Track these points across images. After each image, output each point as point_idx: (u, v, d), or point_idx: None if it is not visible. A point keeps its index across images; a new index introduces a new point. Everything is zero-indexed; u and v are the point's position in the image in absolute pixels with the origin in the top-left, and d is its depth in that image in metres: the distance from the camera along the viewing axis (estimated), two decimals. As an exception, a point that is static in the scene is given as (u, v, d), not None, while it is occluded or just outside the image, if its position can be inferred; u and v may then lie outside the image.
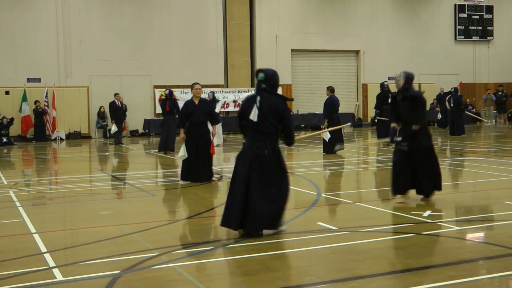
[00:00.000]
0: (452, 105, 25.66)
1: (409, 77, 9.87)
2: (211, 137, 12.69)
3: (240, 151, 7.73)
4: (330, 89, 18.29)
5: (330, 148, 17.83)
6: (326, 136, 17.27)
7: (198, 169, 12.49)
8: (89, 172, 16.11)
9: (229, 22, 30.43)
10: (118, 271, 6.01)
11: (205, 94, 18.58)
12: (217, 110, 21.93)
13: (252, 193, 7.35)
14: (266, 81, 7.58)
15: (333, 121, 17.64)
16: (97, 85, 28.09)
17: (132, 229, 8.02)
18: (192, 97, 12.82)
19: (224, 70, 30.60)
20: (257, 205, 7.31)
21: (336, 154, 17.56)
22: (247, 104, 7.63)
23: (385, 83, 22.91)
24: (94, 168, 17.18)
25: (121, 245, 7.18)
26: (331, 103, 17.88)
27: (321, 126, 17.79)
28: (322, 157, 17.28)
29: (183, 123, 12.59)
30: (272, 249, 6.92)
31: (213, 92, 23.12)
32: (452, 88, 26.48)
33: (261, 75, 7.58)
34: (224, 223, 7.58)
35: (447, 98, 27.62)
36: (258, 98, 7.51)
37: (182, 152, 12.40)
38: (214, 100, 22.13)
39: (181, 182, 12.50)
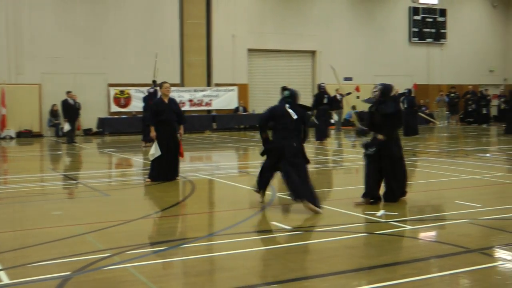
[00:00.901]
0: (406, 106, 25.99)
1: (384, 90, 10.15)
2: (179, 137, 12.63)
3: (275, 146, 9.28)
4: (283, 88, 18.25)
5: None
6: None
7: (168, 169, 12.42)
8: (41, 172, 15.83)
9: (185, 20, 30.29)
10: (68, 273, 5.89)
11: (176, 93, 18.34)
12: None
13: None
14: (291, 97, 9.60)
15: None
16: (49, 83, 27.63)
17: (84, 230, 7.88)
18: (161, 96, 12.75)
19: (180, 69, 30.43)
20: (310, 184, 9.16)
21: None
22: (279, 111, 9.44)
23: (322, 84, 23.30)
24: (46, 167, 16.90)
25: (73, 246, 7.05)
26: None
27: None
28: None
29: (155, 121, 12.47)
30: (226, 249, 6.89)
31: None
32: (406, 89, 26.82)
33: (287, 92, 9.68)
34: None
35: (401, 99, 27.95)
36: (288, 106, 9.42)
37: (153, 150, 12.27)
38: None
39: (148, 182, 12.37)
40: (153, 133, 12.41)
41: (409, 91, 26.48)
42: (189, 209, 9.76)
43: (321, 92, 23.00)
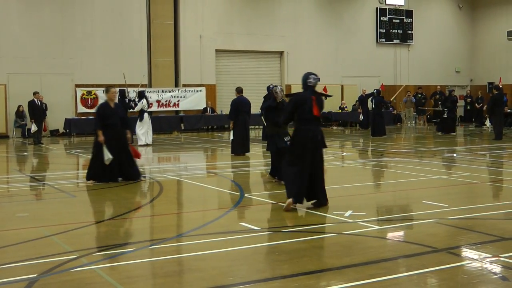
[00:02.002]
0: (373, 106, 26.24)
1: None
2: (128, 141, 12.63)
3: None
4: (238, 90, 18.08)
5: (237, 149, 17.58)
6: (231, 137, 17.22)
7: (116, 170, 12.36)
8: (6, 173, 15.58)
9: (153, 21, 30.12)
10: (35, 275, 5.82)
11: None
12: (137, 108, 21.69)
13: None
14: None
15: (239, 122, 17.35)
16: (15, 83, 27.24)
17: (50, 231, 7.79)
18: (106, 100, 12.69)
19: (148, 69, 30.25)
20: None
21: (245, 156, 17.44)
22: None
23: (271, 86, 23.00)
24: (12, 168, 16.66)
25: (39, 248, 6.96)
26: (237, 104, 17.54)
27: (229, 126, 17.56)
28: (252, 158, 17.29)
29: (102, 126, 12.36)
30: (195, 249, 6.86)
31: (142, 91, 22.69)
32: (374, 90, 27.03)
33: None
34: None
35: (369, 99, 28.22)
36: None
37: (107, 156, 12.19)
38: (140, 98, 21.83)
39: (90, 183, 12.30)
40: (101, 138, 12.28)
41: (378, 91, 26.69)
42: (157, 210, 9.71)
43: (269, 93, 21.81)
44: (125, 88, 22.35)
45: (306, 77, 9.36)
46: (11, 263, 6.27)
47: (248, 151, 17.75)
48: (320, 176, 9.27)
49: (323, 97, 9.80)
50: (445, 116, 26.67)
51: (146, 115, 22.02)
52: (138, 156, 12.96)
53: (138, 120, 21.78)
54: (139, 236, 7.71)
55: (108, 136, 12.30)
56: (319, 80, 9.49)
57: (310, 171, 9.09)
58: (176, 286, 5.62)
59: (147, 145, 21.71)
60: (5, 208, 9.99)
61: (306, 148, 9.09)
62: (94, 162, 12.47)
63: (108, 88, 12.81)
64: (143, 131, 22.00)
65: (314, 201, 9.30)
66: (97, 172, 12.36)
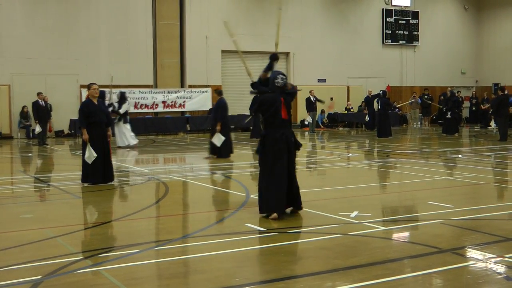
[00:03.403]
0: (380, 107, 26.23)
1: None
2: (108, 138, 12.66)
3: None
4: (218, 92, 18.04)
5: (225, 152, 17.35)
6: (219, 140, 16.98)
7: (104, 170, 12.36)
8: (11, 174, 15.63)
9: (158, 21, 30.15)
10: (39, 277, 5.82)
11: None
12: (122, 110, 21.47)
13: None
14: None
15: (225, 124, 17.34)
16: (20, 84, 27.29)
17: (55, 233, 7.79)
18: (88, 97, 12.60)
19: (153, 70, 30.28)
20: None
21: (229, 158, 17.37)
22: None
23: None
24: (16, 169, 16.67)
25: (44, 249, 6.97)
26: (224, 106, 17.54)
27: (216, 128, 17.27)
28: (252, 158, 17.27)
29: (88, 124, 12.34)
30: (200, 251, 6.85)
31: (123, 92, 22.51)
32: (380, 91, 27.04)
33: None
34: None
35: (375, 100, 28.20)
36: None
37: (89, 153, 12.14)
38: (122, 100, 21.68)
39: (85, 185, 12.27)
40: (85, 136, 12.21)
41: (384, 92, 26.72)
42: (163, 211, 9.71)
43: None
44: (105, 90, 22.07)
45: (274, 77, 8.94)
46: (16, 265, 6.27)
47: (233, 152, 17.74)
48: (295, 180, 8.89)
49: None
50: (449, 116, 26.66)
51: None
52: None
53: (123, 122, 21.62)
54: (144, 237, 7.71)
55: (95, 133, 12.26)
56: (287, 80, 9.07)
57: (286, 176, 8.66)
58: (181, 287, 5.62)
59: (132, 146, 21.68)
60: (10, 209, 10.01)
61: (279, 151, 8.62)
62: (86, 164, 12.40)
63: (89, 84, 12.73)
64: (132, 133, 22.04)
65: (290, 208, 8.91)
66: (89, 174, 12.30)
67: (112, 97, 22.29)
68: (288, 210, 8.89)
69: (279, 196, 8.55)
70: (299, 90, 9.86)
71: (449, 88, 29.61)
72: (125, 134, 21.60)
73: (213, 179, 13.85)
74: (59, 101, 27.55)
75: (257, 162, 9.08)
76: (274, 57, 9.42)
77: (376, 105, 28.30)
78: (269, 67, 9.29)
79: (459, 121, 28.66)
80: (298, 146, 8.99)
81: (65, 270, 6.07)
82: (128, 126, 21.88)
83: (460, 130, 27.28)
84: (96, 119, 12.33)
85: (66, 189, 11.89)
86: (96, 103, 12.48)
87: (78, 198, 11.01)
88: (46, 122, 24.31)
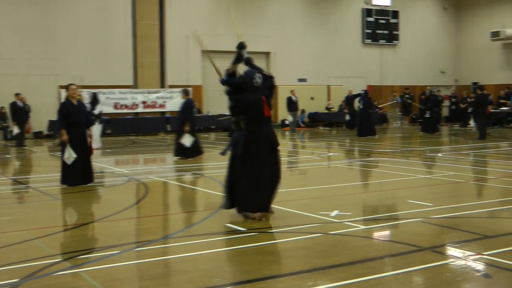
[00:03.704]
0: (361, 107, 26.39)
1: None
2: (89, 139, 12.57)
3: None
4: (185, 92, 17.76)
5: (194, 152, 17.15)
6: (188, 140, 16.80)
7: (84, 171, 12.28)
8: (-9, 176, 15.49)
9: (138, 21, 30.00)
10: (17, 279, 5.76)
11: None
12: (97, 111, 21.09)
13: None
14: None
15: (192, 125, 17.23)
16: (-3, 84, 27.01)
17: (34, 235, 7.72)
18: (68, 98, 12.50)
19: (133, 70, 30.14)
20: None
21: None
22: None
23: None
24: (-4, 171, 16.52)
25: (22, 252, 6.90)
26: (191, 106, 17.37)
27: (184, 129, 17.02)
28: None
29: (67, 125, 12.23)
30: (180, 251, 6.84)
31: (95, 93, 22.10)
32: (362, 90, 27.21)
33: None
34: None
35: (357, 100, 28.33)
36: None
37: (68, 154, 12.04)
38: (95, 101, 21.32)
39: (63, 186, 12.17)
40: (64, 137, 12.06)
41: (366, 92, 26.89)
42: (143, 212, 9.67)
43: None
44: (96, 92, 21.91)
45: (251, 77, 8.61)
46: (-6, 267, 6.21)
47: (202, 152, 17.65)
48: (277, 182, 8.60)
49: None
50: (428, 116, 26.85)
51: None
52: (92, 151, 12.78)
53: (97, 123, 21.25)
54: (124, 238, 7.66)
55: (74, 134, 12.15)
56: (262, 79, 8.65)
57: (270, 175, 8.48)
58: (161, 288, 5.60)
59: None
60: (-11, 211, 9.90)
61: (262, 151, 8.44)
62: (65, 165, 12.28)
63: (68, 85, 12.63)
64: (99, 136, 21.63)
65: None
66: (68, 176, 12.21)
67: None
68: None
69: (265, 196, 8.42)
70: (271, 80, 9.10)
71: (429, 88, 29.78)
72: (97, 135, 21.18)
73: (194, 180, 13.81)
74: (38, 102, 27.28)
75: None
76: (240, 45, 9.24)
77: (357, 105, 28.43)
78: (238, 58, 9.16)
79: (439, 120, 28.84)
80: (276, 143, 8.74)
81: (44, 272, 6.01)
82: (99, 128, 21.62)
83: (439, 129, 27.42)
84: (75, 120, 12.21)
85: (45, 191, 11.79)
86: (76, 103, 12.39)
87: (57, 199, 10.93)
88: (24, 123, 24.09)
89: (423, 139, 23.76)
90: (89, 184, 12.27)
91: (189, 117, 17.20)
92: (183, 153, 17.16)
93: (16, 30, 27.39)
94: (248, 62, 9.16)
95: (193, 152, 17.23)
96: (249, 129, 8.53)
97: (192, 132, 17.12)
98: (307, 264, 6.24)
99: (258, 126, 8.53)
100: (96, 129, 20.75)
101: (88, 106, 20.87)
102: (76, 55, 28.42)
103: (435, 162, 15.96)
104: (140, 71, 30.19)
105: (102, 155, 19.26)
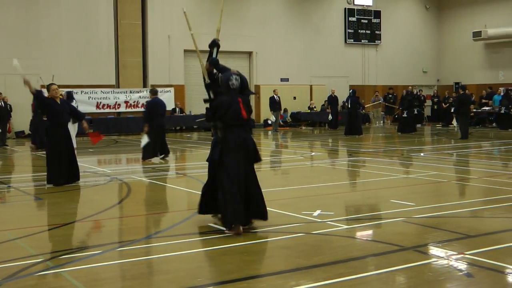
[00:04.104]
0: (349, 106, 26.57)
1: None
2: (87, 129, 12.76)
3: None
4: (153, 92, 17.26)
5: (148, 155, 16.66)
6: (144, 141, 16.48)
7: (69, 170, 12.25)
8: (-29, 175, 15.35)
9: (120, 21, 29.88)
10: (-1, 279, 5.73)
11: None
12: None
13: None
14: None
15: (156, 125, 16.51)
16: (-22, 84, 26.80)
17: (15, 235, 7.67)
18: (51, 98, 12.53)
19: (115, 70, 30.00)
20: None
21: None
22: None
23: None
24: (-23, 171, 16.39)
25: (3, 252, 6.85)
26: (153, 106, 16.75)
27: (142, 132, 16.70)
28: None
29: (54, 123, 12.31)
30: (163, 251, 6.82)
31: (70, 92, 21.70)
32: (350, 90, 27.42)
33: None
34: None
35: (345, 99, 28.52)
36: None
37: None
38: (69, 100, 20.79)
39: (49, 186, 12.10)
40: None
41: (353, 91, 27.10)
42: (125, 211, 9.63)
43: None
44: (72, 90, 21.67)
45: (227, 78, 8.08)
46: (-25, 267, 6.16)
47: (166, 153, 17.00)
48: (257, 191, 7.96)
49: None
50: (405, 116, 27.03)
51: None
52: (100, 137, 12.73)
53: (71, 122, 20.92)
54: (107, 238, 7.63)
55: (59, 134, 12.16)
56: (240, 80, 8.09)
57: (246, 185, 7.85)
58: (143, 288, 5.58)
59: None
60: (-31, 211, 9.82)
61: (237, 157, 7.84)
62: (50, 165, 12.23)
63: (48, 85, 12.65)
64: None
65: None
66: (54, 175, 12.16)
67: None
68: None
69: (239, 207, 7.69)
70: (254, 93, 8.94)
71: (410, 87, 29.97)
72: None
73: (177, 179, 13.78)
74: (20, 102, 27.03)
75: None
76: (213, 43, 9.00)
77: (341, 104, 28.64)
78: (210, 56, 8.85)
79: (417, 120, 29.10)
80: (257, 157, 8.15)
81: (26, 272, 5.98)
82: (75, 126, 21.24)
83: (416, 128, 27.50)
84: (60, 120, 12.24)
85: (27, 191, 11.71)
86: (60, 103, 12.36)
87: (39, 199, 10.86)
88: (6, 123, 23.94)
89: (406, 139, 23.85)
90: (73, 184, 12.19)
91: (148, 117, 16.67)
92: (148, 155, 16.64)
93: (-3, 30, 27.17)
94: (215, 63, 8.71)
95: (146, 153, 16.68)
96: (226, 133, 7.95)
97: (158, 133, 16.59)
98: (289, 264, 6.25)
99: (236, 130, 7.92)
100: (73, 129, 20.46)
101: None
102: (58, 54, 28.25)
103: (417, 162, 16.04)
104: (123, 71, 30.06)
105: (84, 154, 19.13)
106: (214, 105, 8.11)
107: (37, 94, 12.48)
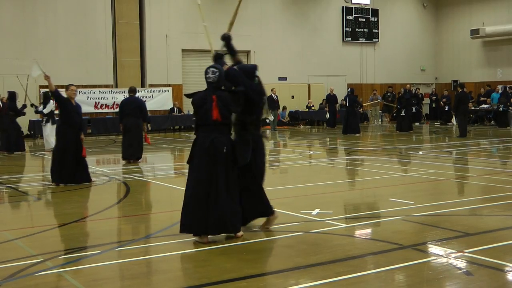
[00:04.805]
0: (347, 104, 26.58)
1: None
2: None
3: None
4: (129, 90, 16.83)
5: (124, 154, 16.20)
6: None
7: (76, 172, 12.27)
8: (-30, 176, 15.32)
9: (118, 21, 29.87)
10: (-2, 280, 5.73)
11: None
12: (46, 110, 20.40)
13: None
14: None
15: (124, 126, 16.09)
16: (-24, 85, 26.77)
17: (14, 235, 7.67)
18: (67, 97, 12.58)
19: (113, 70, 29.99)
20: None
21: None
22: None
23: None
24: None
25: (2, 252, 6.84)
26: (121, 106, 16.47)
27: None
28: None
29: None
30: (162, 251, 6.82)
31: (47, 92, 20.36)
32: (348, 89, 27.43)
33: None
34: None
35: (343, 98, 28.53)
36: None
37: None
38: (46, 100, 20.58)
39: (52, 185, 12.17)
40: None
41: (352, 90, 27.10)
42: (124, 211, 9.62)
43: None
44: (16, 91, 21.38)
45: (205, 71, 7.51)
46: (-26, 268, 6.16)
47: (135, 157, 16.14)
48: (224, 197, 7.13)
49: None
50: (403, 114, 27.03)
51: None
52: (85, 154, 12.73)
53: (50, 123, 20.32)
54: (106, 238, 7.63)
55: (69, 136, 12.22)
56: (218, 74, 7.46)
57: (208, 191, 7.11)
58: (142, 288, 5.59)
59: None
60: (-32, 212, 9.82)
61: (201, 161, 7.19)
62: (54, 164, 12.28)
63: (67, 85, 12.71)
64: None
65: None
66: (57, 175, 12.20)
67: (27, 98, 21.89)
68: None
69: (200, 216, 7.09)
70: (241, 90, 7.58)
71: (408, 86, 29.98)
72: (50, 136, 20.06)
73: (175, 179, 13.78)
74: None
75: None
76: (225, 37, 8.55)
77: (344, 103, 28.68)
78: (229, 49, 8.44)
79: (416, 118, 29.09)
80: (235, 161, 7.31)
81: (25, 273, 5.97)
82: (52, 128, 20.27)
83: (413, 127, 27.47)
84: (72, 122, 12.33)
85: (26, 191, 11.71)
86: (74, 104, 12.52)
87: (38, 199, 10.85)
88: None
89: (404, 137, 23.87)
90: (83, 184, 12.23)
91: (119, 117, 16.44)
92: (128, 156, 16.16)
93: (-6, 30, 27.15)
94: (218, 57, 8.27)
95: (124, 154, 16.24)
96: (197, 134, 7.35)
97: (125, 134, 16.07)
98: (288, 262, 6.25)
99: (205, 132, 7.24)
100: (49, 130, 20.16)
101: (41, 106, 20.43)
102: (56, 54, 28.24)
103: (416, 160, 16.04)
104: (120, 71, 30.05)
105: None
106: (192, 101, 7.48)
107: (56, 92, 12.50)
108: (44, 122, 20.63)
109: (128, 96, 16.85)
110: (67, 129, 12.26)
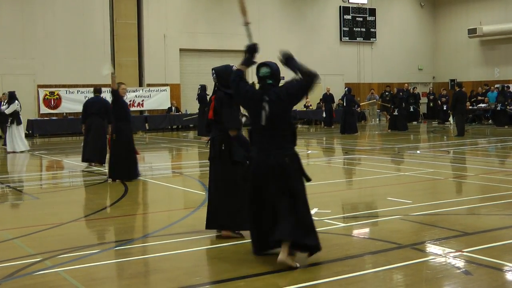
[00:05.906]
0: (344, 104, 26.61)
1: None
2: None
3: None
4: (94, 90, 16.71)
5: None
6: None
7: (129, 168, 12.54)
8: (-32, 176, 15.32)
9: (116, 20, 29.82)
10: (-4, 279, 5.72)
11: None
12: (8, 111, 19.87)
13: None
14: (272, 76, 7.02)
15: (86, 126, 15.54)
16: (-25, 84, 26.75)
17: (13, 234, 7.67)
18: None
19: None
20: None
21: None
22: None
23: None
24: (-27, 171, 16.36)
25: (1, 252, 6.84)
26: (84, 106, 16.07)
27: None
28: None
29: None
30: (160, 250, 6.81)
31: (13, 92, 20.53)
32: (346, 88, 27.45)
33: (265, 69, 7.02)
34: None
35: (340, 97, 28.56)
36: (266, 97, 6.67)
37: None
38: (11, 100, 19.97)
39: (110, 181, 12.40)
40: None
41: (349, 89, 27.15)
42: (122, 210, 9.60)
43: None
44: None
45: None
46: (-28, 268, 6.16)
47: (97, 159, 15.51)
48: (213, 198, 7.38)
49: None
50: (396, 114, 27.08)
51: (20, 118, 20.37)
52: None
53: (15, 124, 20.00)
54: (104, 237, 7.63)
55: (123, 132, 12.54)
56: (216, 74, 7.91)
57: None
58: (141, 287, 5.58)
59: (19, 152, 19.99)
60: (-34, 212, 9.81)
61: (211, 160, 7.49)
62: (113, 160, 12.54)
63: (118, 84, 12.99)
64: (23, 138, 20.50)
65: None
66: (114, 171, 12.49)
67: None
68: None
69: (212, 210, 7.38)
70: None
71: (406, 85, 29.98)
72: (16, 137, 20.05)
73: (173, 178, 13.78)
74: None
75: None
76: (252, 49, 7.58)
77: (341, 102, 28.71)
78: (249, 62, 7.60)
79: (413, 117, 29.11)
80: (228, 157, 7.29)
81: (23, 272, 5.97)
82: (20, 128, 20.45)
83: (408, 127, 27.47)
84: (129, 117, 12.78)
85: (24, 190, 11.70)
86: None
87: (36, 199, 10.85)
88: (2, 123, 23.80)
89: (402, 136, 23.88)
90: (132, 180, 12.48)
91: (82, 117, 15.99)
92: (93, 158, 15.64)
93: (-8, 29, 27.11)
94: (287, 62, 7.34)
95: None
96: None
97: (87, 134, 15.53)
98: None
99: (209, 131, 7.56)
100: (16, 131, 19.98)
101: (5, 105, 20.17)
102: (54, 54, 28.20)
103: (414, 160, 16.06)
104: (118, 70, 29.97)
105: (80, 154, 19.09)
106: None
107: (115, 91, 12.75)
108: (9, 123, 19.92)
109: (93, 96, 16.57)
110: (126, 125, 12.57)
